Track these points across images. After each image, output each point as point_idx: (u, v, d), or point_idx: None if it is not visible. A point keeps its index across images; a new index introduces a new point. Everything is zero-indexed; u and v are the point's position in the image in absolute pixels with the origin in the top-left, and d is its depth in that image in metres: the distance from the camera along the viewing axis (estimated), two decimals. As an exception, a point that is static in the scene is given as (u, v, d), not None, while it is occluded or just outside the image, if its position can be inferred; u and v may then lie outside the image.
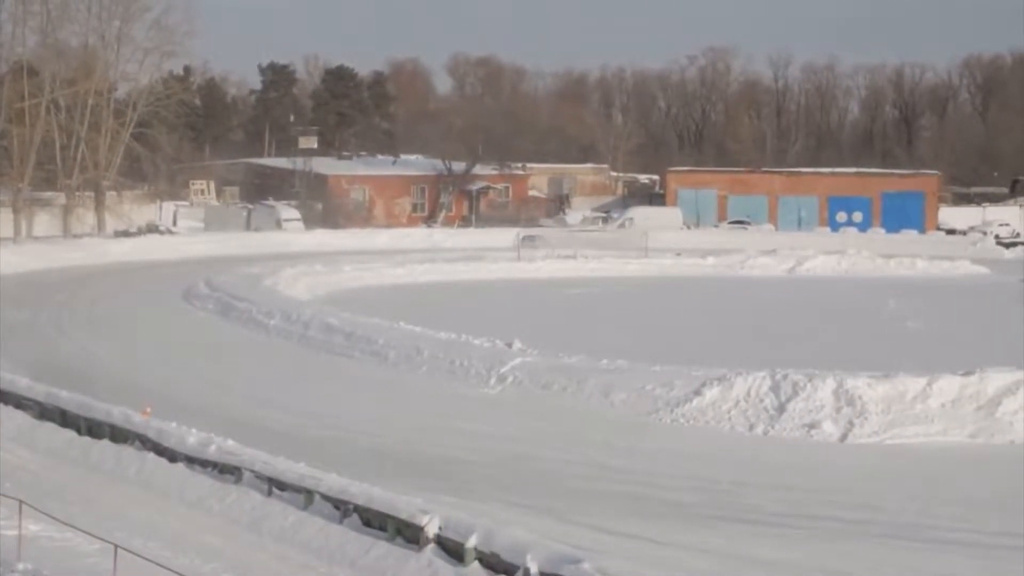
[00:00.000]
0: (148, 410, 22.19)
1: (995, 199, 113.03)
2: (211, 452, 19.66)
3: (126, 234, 77.08)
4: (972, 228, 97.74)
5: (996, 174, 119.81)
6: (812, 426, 24.34)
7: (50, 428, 22.69)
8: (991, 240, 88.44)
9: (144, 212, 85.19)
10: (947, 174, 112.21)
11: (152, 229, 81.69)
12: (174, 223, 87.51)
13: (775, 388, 25.36)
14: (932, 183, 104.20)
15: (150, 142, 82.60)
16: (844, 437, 23.99)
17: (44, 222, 78.47)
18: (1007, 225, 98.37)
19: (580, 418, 25.94)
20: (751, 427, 24.88)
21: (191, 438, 20.22)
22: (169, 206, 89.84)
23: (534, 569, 14.44)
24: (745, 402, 25.37)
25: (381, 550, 16.15)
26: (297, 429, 24.52)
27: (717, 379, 26.02)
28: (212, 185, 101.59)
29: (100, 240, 73.46)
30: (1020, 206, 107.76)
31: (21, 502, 16.02)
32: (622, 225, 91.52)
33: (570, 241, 77.69)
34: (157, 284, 52.89)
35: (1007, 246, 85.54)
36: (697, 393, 25.82)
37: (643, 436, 24.59)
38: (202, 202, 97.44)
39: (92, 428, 22.08)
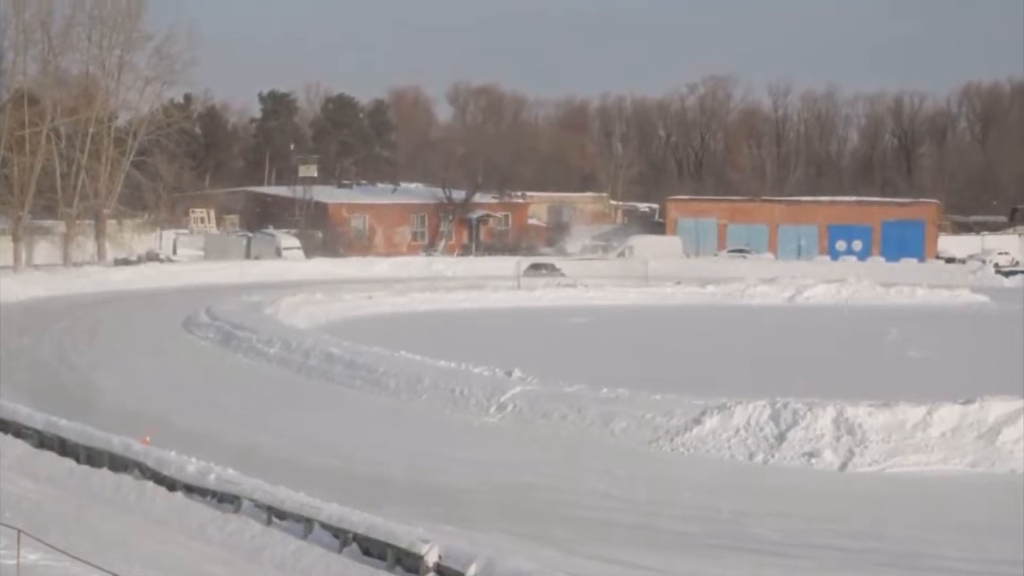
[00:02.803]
0: (148, 438, 22.16)
1: (994, 228, 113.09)
2: (210, 480, 19.62)
3: (126, 262, 77.18)
4: (971, 257, 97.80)
5: (995, 203, 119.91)
6: (812, 455, 24.31)
7: (49, 457, 22.65)
8: (990, 269, 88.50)
9: (144, 240, 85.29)
10: (946, 202, 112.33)
11: (152, 257, 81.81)
12: (174, 251, 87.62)
13: (775, 417, 25.33)
14: (931, 211, 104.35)
15: (150, 170, 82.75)
16: (844, 466, 23.95)
17: (44, 250, 78.53)
18: (1006, 254, 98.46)
19: (580, 447, 25.91)
20: (751, 456, 24.86)
21: (190, 466, 20.18)
22: (169, 234, 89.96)
23: (534, 598, 14.41)
24: (745, 431, 25.34)
25: (381, 579, 16.12)
26: (297, 457, 24.48)
27: (717, 408, 26.00)
28: (212, 213, 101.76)
29: (100, 268, 73.53)
30: (1019, 235, 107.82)
31: (20, 531, 15.97)
32: (622, 254, 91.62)
33: (575, 269, 78.05)
34: (157, 312, 52.91)
35: (1006, 275, 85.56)
36: (697, 422, 25.80)
37: (644, 465, 24.55)
38: (202, 230, 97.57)
39: (91, 456, 22.04)
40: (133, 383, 34.35)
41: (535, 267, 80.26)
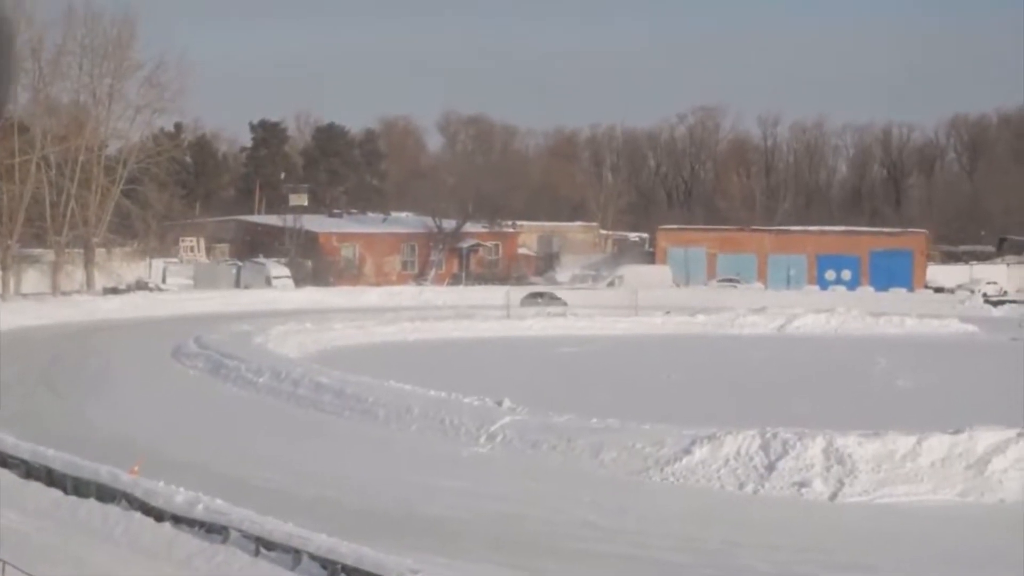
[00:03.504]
0: (136, 468, 22.09)
1: (983, 257, 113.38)
2: (199, 511, 19.55)
3: (115, 291, 77.03)
4: (960, 286, 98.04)
5: (983, 233, 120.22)
6: (802, 485, 24.28)
7: (36, 487, 22.56)
8: (979, 298, 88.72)
9: (133, 269, 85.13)
10: (935, 233, 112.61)
11: (141, 286, 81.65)
12: (163, 280, 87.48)
13: (765, 447, 25.32)
14: (920, 241, 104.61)
15: (140, 199, 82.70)
16: (834, 496, 23.93)
17: (33, 279, 78.35)
18: (995, 283, 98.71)
19: (570, 477, 25.87)
20: (741, 486, 24.83)
21: (179, 497, 20.11)
22: (159, 263, 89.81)
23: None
24: (735, 461, 25.32)
25: (370, 610, 16.06)
26: (286, 488, 24.42)
27: (707, 438, 25.98)
28: (202, 242, 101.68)
29: (89, 297, 73.43)
30: (1007, 264, 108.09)
31: (5, 563, 15.93)
32: (612, 283, 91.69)
33: (574, 298, 78.33)
34: (146, 341, 52.83)
35: (995, 304, 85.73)
36: (687, 452, 25.78)
37: (633, 495, 24.52)
38: (192, 259, 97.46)
39: (79, 487, 21.95)
40: (121, 412, 34.26)
41: (533, 296, 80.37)
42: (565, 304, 77.13)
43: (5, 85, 4.29)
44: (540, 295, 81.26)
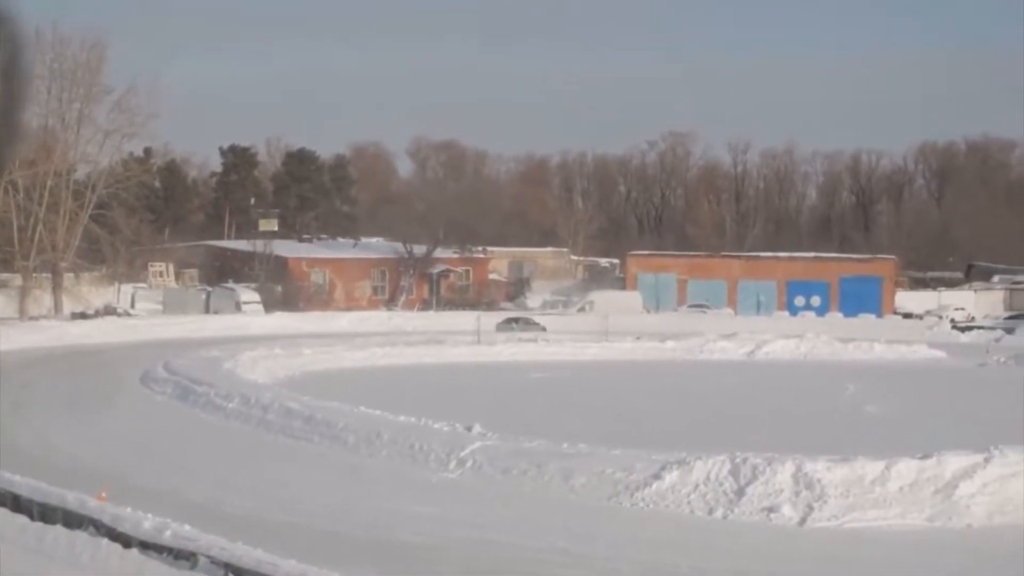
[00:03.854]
0: (103, 494, 21.97)
1: (951, 284, 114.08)
2: (166, 537, 19.44)
3: (83, 316, 76.71)
4: (928, 312, 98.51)
5: (951, 259, 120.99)
6: (771, 510, 24.29)
7: (2, 513, 22.40)
8: (947, 324, 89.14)
9: (102, 294, 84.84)
10: (903, 259, 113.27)
11: (110, 311, 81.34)
12: (132, 305, 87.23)
13: (734, 472, 25.33)
14: (889, 268, 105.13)
15: (109, 224, 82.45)
16: (803, 521, 23.94)
17: (0, 304, 78.03)
18: (963, 309, 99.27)
19: (540, 503, 25.83)
20: (711, 511, 24.82)
21: (146, 523, 19.99)
22: (127, 288, 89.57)
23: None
24: (705, 486, 25.32)
25: (338, 636, 16.00)
26: (255, 514, 24.31)
27: (677, 463, 25.98)
28: (171, 267, 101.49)
29: (57, 322, 73.09)
30: (975, 291, 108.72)
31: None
32: (582, 309, 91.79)
33: (553, 323, 78.49)
34: (114, 367, 52.61)
35: (963, 330, 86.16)
36: (657, 477, 25.76)
37: (603, 521, 24.49)
38: (161, 284, 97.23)
39: (45, 513, 21.80)
40: (89, 438, 34.08)
41: (509, 321, 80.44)
42: (543, 329, 77.22)
43: (10, 143, 4.25)
44: (516, 320, 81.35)
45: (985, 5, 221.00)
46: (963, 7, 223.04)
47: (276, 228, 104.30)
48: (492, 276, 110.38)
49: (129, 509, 20.79)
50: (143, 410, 40.47)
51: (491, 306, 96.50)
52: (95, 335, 67.91)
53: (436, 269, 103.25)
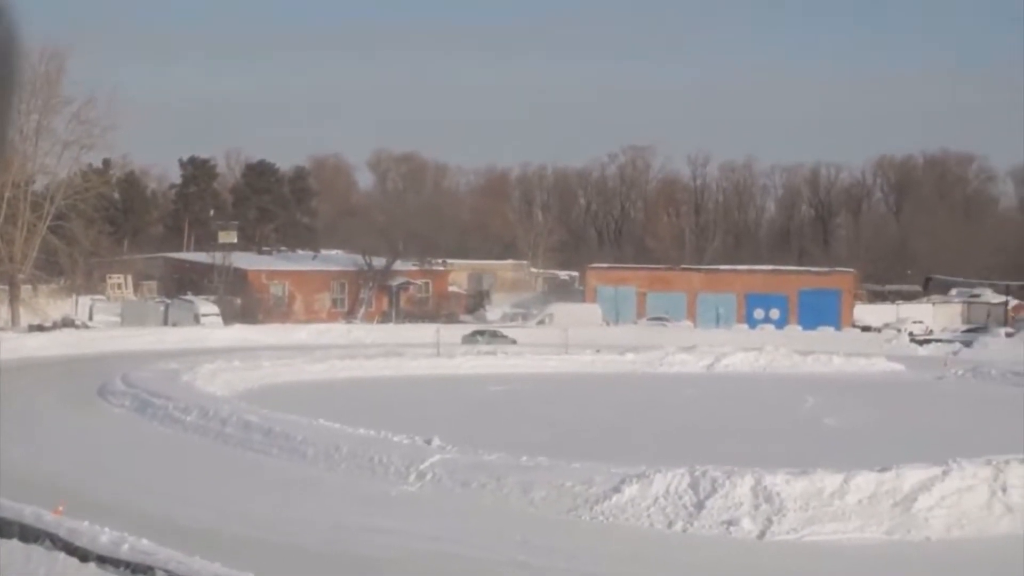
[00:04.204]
0: (60, 508, 21.82)
1: (909, 297, 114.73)
2: (124, 551, 19.32)
3: (41, 328, 76.23)
4: (887, 325, 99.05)
5: (910, 272, 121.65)
6: (731, 523, 24.32)
7: (-41, 528, 22.23)
8: (905, 337, 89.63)
9: (60, 306, 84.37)
10: (862, 272, 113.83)
11: (68, 323, 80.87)
12: (90, 317, 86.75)
13: (694, 485, 25.35)
14: (848, 281, 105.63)
15: (67, 235, 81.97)
16: (763, 534, 23.97)
17: (-44, 316, 77.55)
18: (921, 322, 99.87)
19: (499, 516, 25.78)
20: (670, 524, 24.83)
21: (104, 537, 19.88)
22: (85, 300, 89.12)
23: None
24: (664, 499, 25.32)
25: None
26: (213, 527, 24.18)
27: (636, 476, 25.99)
28: (130, 279, 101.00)
29: (14, 334, 72.58)
30: (933, 304, 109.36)
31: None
32: (542, 321, 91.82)
33: (524, 336, 78.58)
34: (72, 380, 52.28)
35: (921, 343, 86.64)
36: (616, 490, 25.76)
37: (562, 534, 24.46)
38: (119, 296, 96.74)
39: (1, 527, 21.64)
40: (45, 452, 33.85)
41: (475, 334, 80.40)
42: (514, 342, 77.20)
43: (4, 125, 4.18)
44: (482, 333, 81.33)
45: (943, 22, 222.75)
46: (921, 24, 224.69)
47: (235, 240, 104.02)
48: (452, 289, 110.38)
49: (86, 523, 20.67)
50: (101, 423, 40.23)
51: (451, 319, 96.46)
52: (53, 348, 67.47)
53: (396, 282, 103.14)
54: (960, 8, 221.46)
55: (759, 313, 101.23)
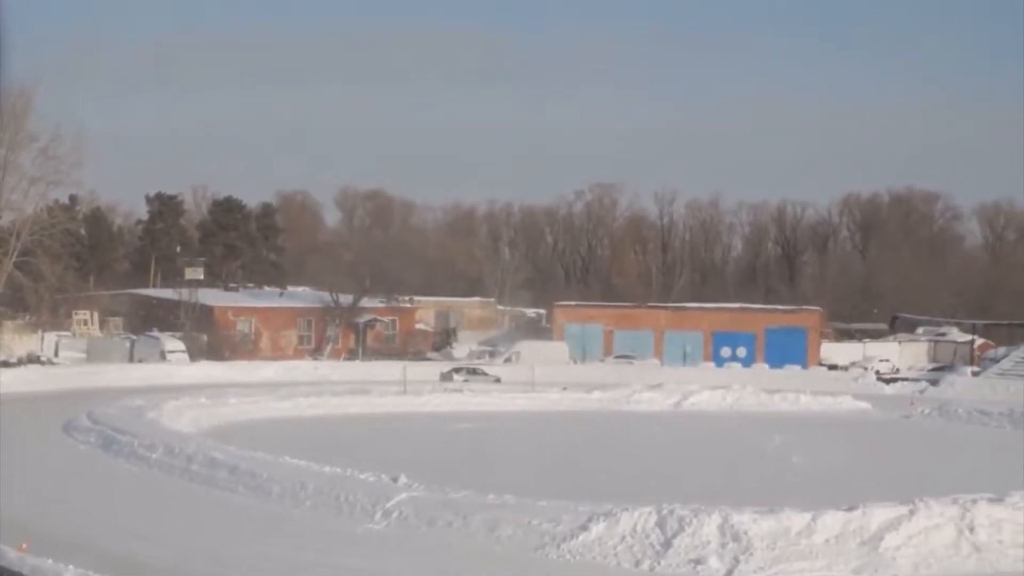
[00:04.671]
0: (24, 546, 21.65)
1: (875, 335, 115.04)
2: (88, 590, 19.18)
3: (5, 364, 75.79)
4: (853, 364, 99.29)
5: (876, 311, 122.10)
6: (698, 562, 24.29)
7: (-79, 565, 22.02)
8: (872, 376, 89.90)
9: (25, 342, 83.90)
10: (828, 310, 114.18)
11: (33, 359, 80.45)
12: (56, 354, 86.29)
13: (661, 523, 25.32)
14: (814, 319, 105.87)
15: (33, 271, 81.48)
16: (730, 573, 23.95)
17: (-80, 352, 77.01)
18: (887, 361, 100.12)
19: (465, 554, 25.69)
20: (637, 563, 24.78)
21: (67, 574, 19.73)
22: (51, 336, 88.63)
23: None
24: (631, 537, 25.28)
25: None
26: (176, 564, 24.04)
27: (603, 514, 25.94)
28: (96, 315, 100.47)
29: (-22, 370, 72.12)
30: (900, 342, 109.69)
31: None
32: (509, 359, 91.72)
33: (505, 374, 78.65)
34: (37, 416, 51.96)
35: (887, 382, 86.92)
36: (583, 528, 25.71)
37: (529, 572, 24.40)
38: (85, 333, 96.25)
39: (-35, 565, 21.46)
40: (9, 488, 33.55)
41: (458, 371, 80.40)
42: (497, 380, 77.12)
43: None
44: (458, 370, 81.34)
45: (909, 62, 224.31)
46: (888, 63, 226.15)
47: (202, 276, 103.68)
48: (419, 326, 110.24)
49: (50, 560, 20.50)
50: (66, 460, 39.97)
51: (418, 356, 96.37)
52: (18, 384, 66.99)
53: (362, 319, 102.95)
54: (925, 48, 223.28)
55: (726, 351, 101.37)
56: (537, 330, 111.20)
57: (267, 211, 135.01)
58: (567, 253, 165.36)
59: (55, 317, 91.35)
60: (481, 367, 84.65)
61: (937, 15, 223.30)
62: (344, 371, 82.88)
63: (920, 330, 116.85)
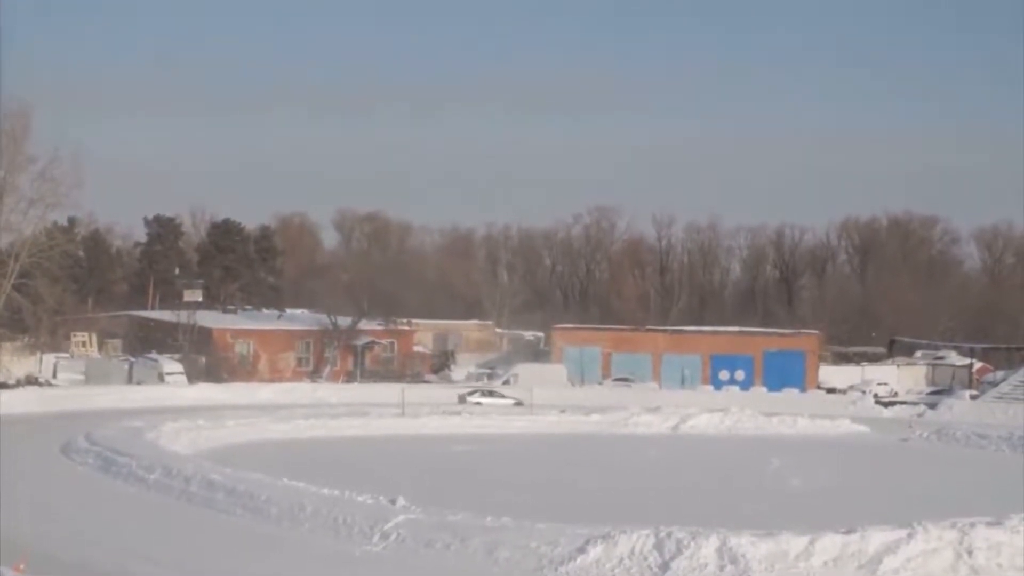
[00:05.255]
0: (21, 566, 21.65)
1: (873, 358, 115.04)
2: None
3: (4, 386, 75.76)
4: (851, 387, 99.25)
5: (874, 334, 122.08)
6: (696, 585, 24.27)
7: (-82, 585, 22.01)
8: (870, 399, 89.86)
9: (24, 364, 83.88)
10: (826, 333, 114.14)
11: (32, 381, 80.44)
12: (54, 375, 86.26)
13: (659, 546, 25.30)
14: (812, 342, 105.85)
15: (32, 293, 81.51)
16: (728, 596, 23.94)
17: (-80, 374, 77.01)
18: (885, 384, 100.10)
19: (464, 576, 25.69)
20: (635, 586, 24.76)
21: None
22: (50, 358, 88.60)
23: None
24: (629, 560, 25.26)
25: None
26: (175, 587, 24.02)
27: (601, 537, 25.92)
28: (94, 337, 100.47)
29: (-23, 392, 72.09)
30: (898, 366, 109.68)
31: None
32: (507, 382, 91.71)
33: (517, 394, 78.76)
34: (35, 437, 51.93)
35: (886, 405, 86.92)
36: (581, 551, 25.68)
37: (527, 595, 24.39)
38: (84, 354, 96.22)
39: (-38, 586, 21.46)
40: (7, 509, 33.54)
41: (477, 393, 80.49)
42: (519, 403, 77.00)
43: None
44: (483, 392, 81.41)
45: (907, 86, 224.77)
46: (885, 87, 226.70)
47: (200, 299, 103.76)
48: (417, 348, 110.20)
49: (47, 582, 20.51)
50: (64, 481, 39.93)
51: (416, 378, 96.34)
52: (16, 405, 66.97)
53: (361, 341, 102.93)
54: (923, 72, 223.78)
55: (724, 374, 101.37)
56: (535, 353, 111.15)
57: (265, 233, 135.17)
58: (565, 276, 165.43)
59: (54, 339, 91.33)
60: (499, 390, 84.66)
61: (934, 40, 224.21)
62: (342, 393, 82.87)
63: (918, 353, 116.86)
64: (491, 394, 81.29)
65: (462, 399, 78.10)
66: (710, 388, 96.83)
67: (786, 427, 67.34)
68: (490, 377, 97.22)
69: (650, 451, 55.42)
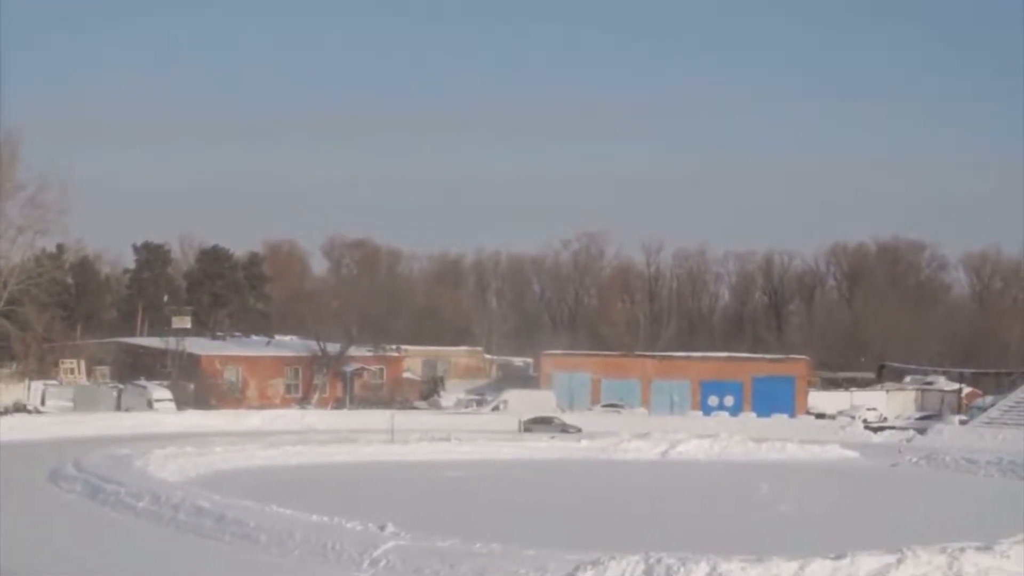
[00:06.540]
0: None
1: (862, 384, 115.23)
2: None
3: (-8, 413, 75.67)
4: (841, 412, 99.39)
5: (863, 359, 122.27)
6: (686, 610, 24.22)
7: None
8: (859, 424, 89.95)
9: (12, 391, 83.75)
10: (815, 359, 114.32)
11: (20, 408, 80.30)
12: (42, 402, 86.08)
13: (649, 572, 25.25)
14: (801, 368, 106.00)
15: (20, 320, 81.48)
16: (718, 621, 23.90)
17: (-93, 401, 76.84)
18: (874, 409, 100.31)
19: (453, 603, 25.62)
20: (625, 612, 24.71)
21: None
22: (38, 385, 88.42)
23: None
24: (619, 586, 25.21)
25: None
26: (164, 615, 23.95)
27: (591, 563, 25.87)
28: (83, 364, 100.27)
29: (-35, 419, 71.94)
30: (887, 391, 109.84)
31: None
32: (497, 408, 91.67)
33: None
34: (23, 464, 51.77)
35: (875, 430, 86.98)
36: (571, 577, 25.63)
37: (517, 621, 24.32)
38: (72, 381, 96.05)
39: (-50, 614, 21.40)
40: (-5, 538, 33.47)
41: (537, 420, 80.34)
42: (579, 430, 76.77)
43: None
44: (542, 420, 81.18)
45: (895, 111, 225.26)
46: (874, 113, 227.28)
47: (189, 325, 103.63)
48: (406, 374, 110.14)
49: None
50: (51, 508, 39.81)
51: (405, 405, 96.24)
52: (4, 432, 66.81)
53: (350, 367, 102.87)
54: (912, 100, 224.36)
55: (713, 400, 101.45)
56: (524, 379, 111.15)
57: (254, 260, 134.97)
58: (554, 302, 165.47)
59: (42, 366, 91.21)
60: (558, 417, 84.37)
61: (923, 67, 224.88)
62: (331, 420, 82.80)
63: (907, 379, 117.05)
64: (549, 421, 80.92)
65: (527, 427, 77.99)
66: (699, 414, 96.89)
67: (775, 453, 67.33)
68: (479, 403, 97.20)
69: (639, 477, 55.40)
